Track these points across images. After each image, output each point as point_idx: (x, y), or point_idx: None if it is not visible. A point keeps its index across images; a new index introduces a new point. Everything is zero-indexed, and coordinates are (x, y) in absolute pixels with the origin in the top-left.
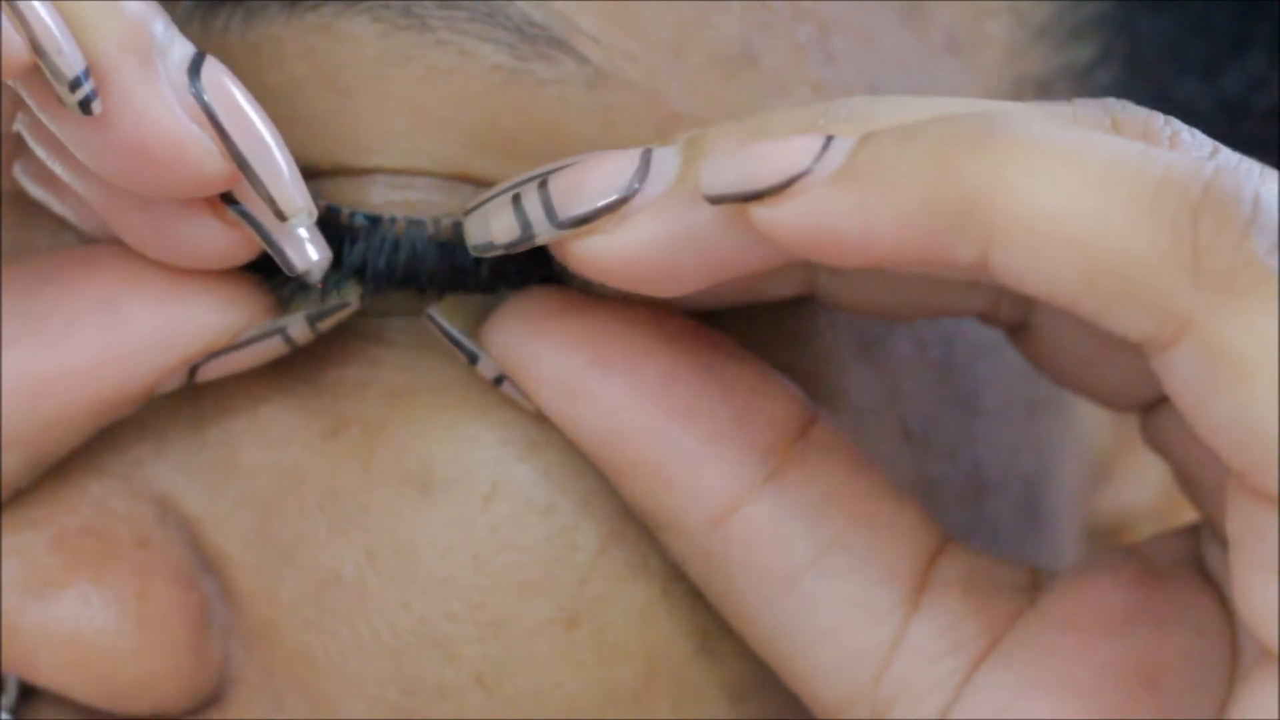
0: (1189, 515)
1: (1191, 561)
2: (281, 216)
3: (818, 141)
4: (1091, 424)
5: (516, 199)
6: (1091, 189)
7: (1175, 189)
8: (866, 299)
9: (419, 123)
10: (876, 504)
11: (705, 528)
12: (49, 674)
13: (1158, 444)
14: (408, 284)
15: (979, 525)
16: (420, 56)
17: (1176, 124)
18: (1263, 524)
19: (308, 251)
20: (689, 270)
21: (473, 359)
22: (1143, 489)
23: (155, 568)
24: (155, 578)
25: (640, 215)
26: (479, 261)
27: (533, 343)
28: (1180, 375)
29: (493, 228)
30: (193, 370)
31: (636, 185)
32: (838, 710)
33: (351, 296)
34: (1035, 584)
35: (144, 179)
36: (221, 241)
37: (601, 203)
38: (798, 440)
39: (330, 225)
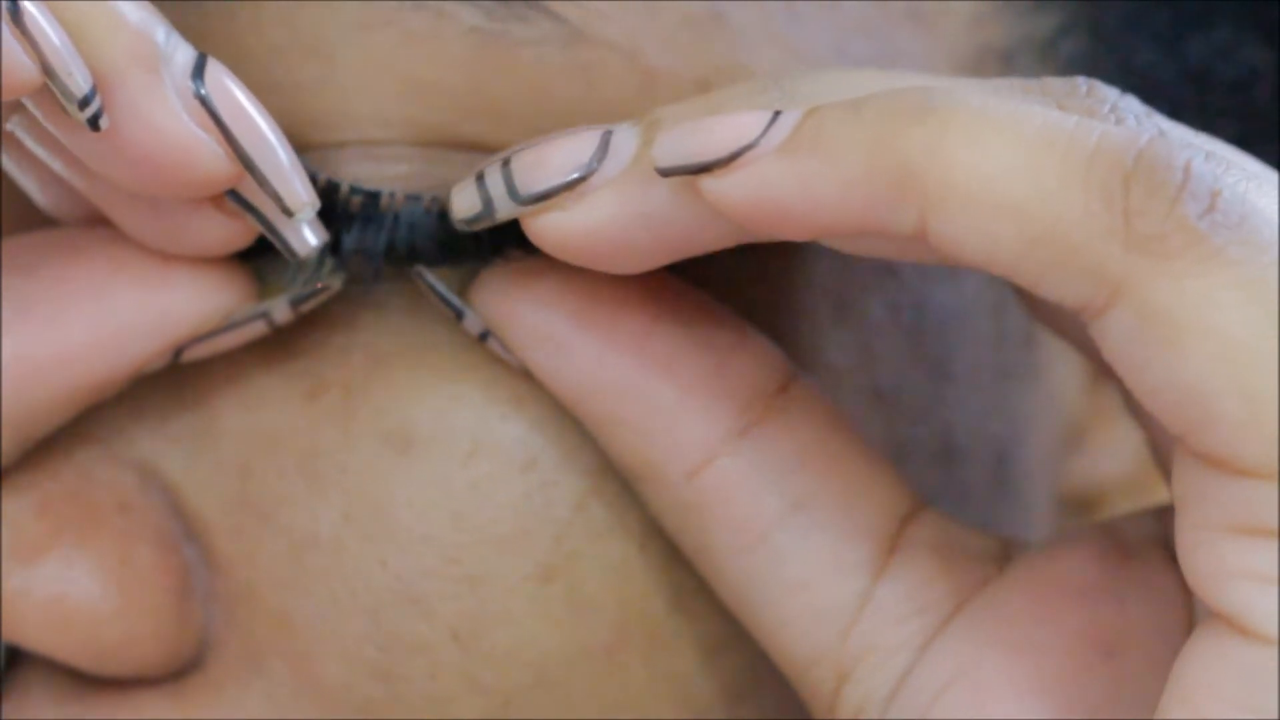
0: (1160, 488)
1: (1160, 540)
2: (288, 212)
3: (765, 116)
4: (1065, 393)
5: (480, 176)
6: (1026, 157)
7: (1108, 156)
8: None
9: (401, 87)
10: (851, 463)
11: (681, 479)
12: (33, 636)
13: (1134, 411)
14: (405, 262)
15: (949, 488)
16: (398, 20)
17: (1105, 85)
18: (1203, 485)
19: (307, 238)
20: (645, 247)
21: (459, 314)
22: (1115, 461)
23: (137, 532)
24: (137, 542)
25: (598, 193)
26: (475, 236)
27: (518, 297)
28: (1116, 340)
29: (455, 204)
30: (178, 352)
31: (595, 164)
32: (805, 667)
33: (334, 280)
34: (1006, 554)
35: (152, 184)
36: (223, 232)
37: (560, 180)
38: (776, 396)
39: (328, 200)
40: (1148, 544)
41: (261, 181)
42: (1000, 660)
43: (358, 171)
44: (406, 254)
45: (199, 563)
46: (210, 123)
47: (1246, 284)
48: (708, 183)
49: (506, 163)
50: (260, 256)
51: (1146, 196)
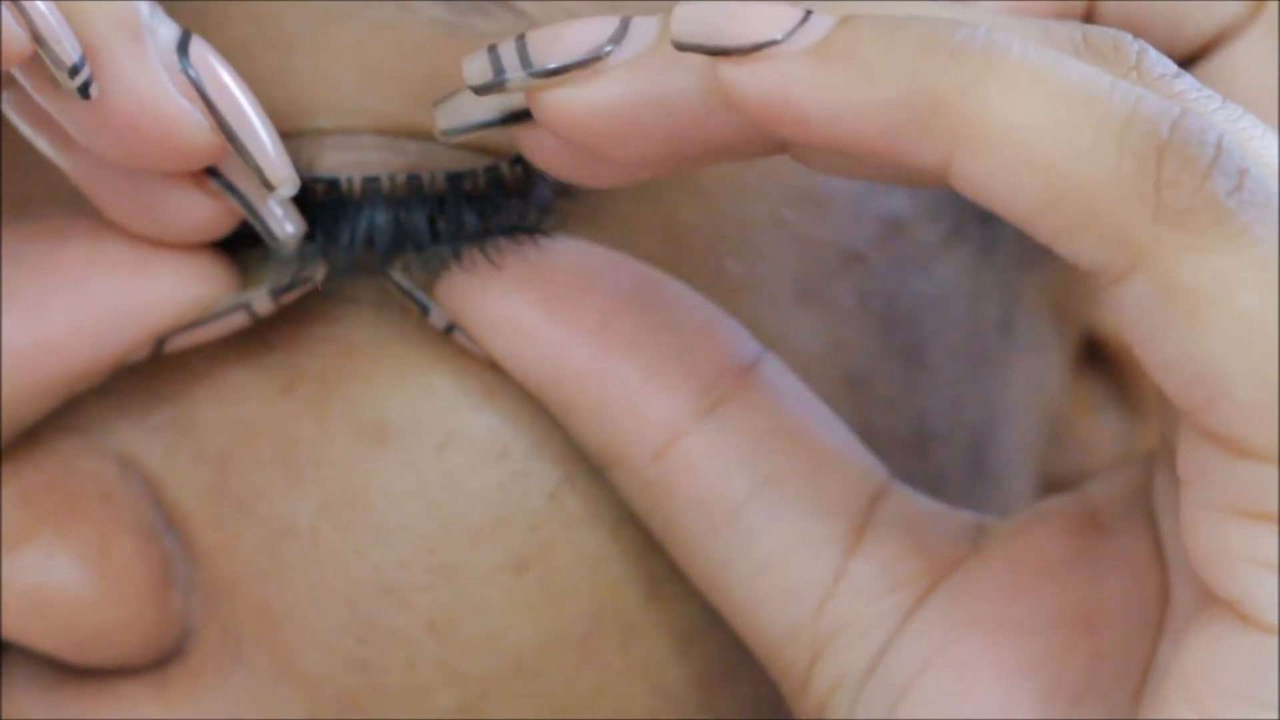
0: None
1: (1136, 500)
2: (269, 186)
3: (796, 13)
4: (1047, 384)
5: (492, 48)
6: (1063, 113)
7: (1144, 124)
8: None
9: (362, 78)
10: (820, 441)
11: (647, 461)
12: (14, 625)
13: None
14: (368, 244)
15: (924, 475)
16: (361, 12)
17: (1144, 44)
18: (1207, 464)
19: (287, 222)
20: (654, 133)
21: (425, 310)
22: (1097, 453)
23: (118, 522)
24: (118, 531)
25: (613, 72)
26: (432, 219)
27: (479, 289)
28: (1132, 309)
29: (465, 70)
30: (160, 343)
31: (612, 46)
32: (778, 646)
33: (316, 271)
34: (980, 532)
35: (137, 154)
36: (204, 214)
37: (577, 57)
38: (742, 375)
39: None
40: (1120, 512)
41: (244, 154)
42: (979, 639)
43: (320, 160)
44: (366, 238)
45: (179, 553)
46: (195, 94)
47: (1270, 263)
48: (726, 67)
49: (521, 37)
50: (241, 248)
51: (1179, 170)
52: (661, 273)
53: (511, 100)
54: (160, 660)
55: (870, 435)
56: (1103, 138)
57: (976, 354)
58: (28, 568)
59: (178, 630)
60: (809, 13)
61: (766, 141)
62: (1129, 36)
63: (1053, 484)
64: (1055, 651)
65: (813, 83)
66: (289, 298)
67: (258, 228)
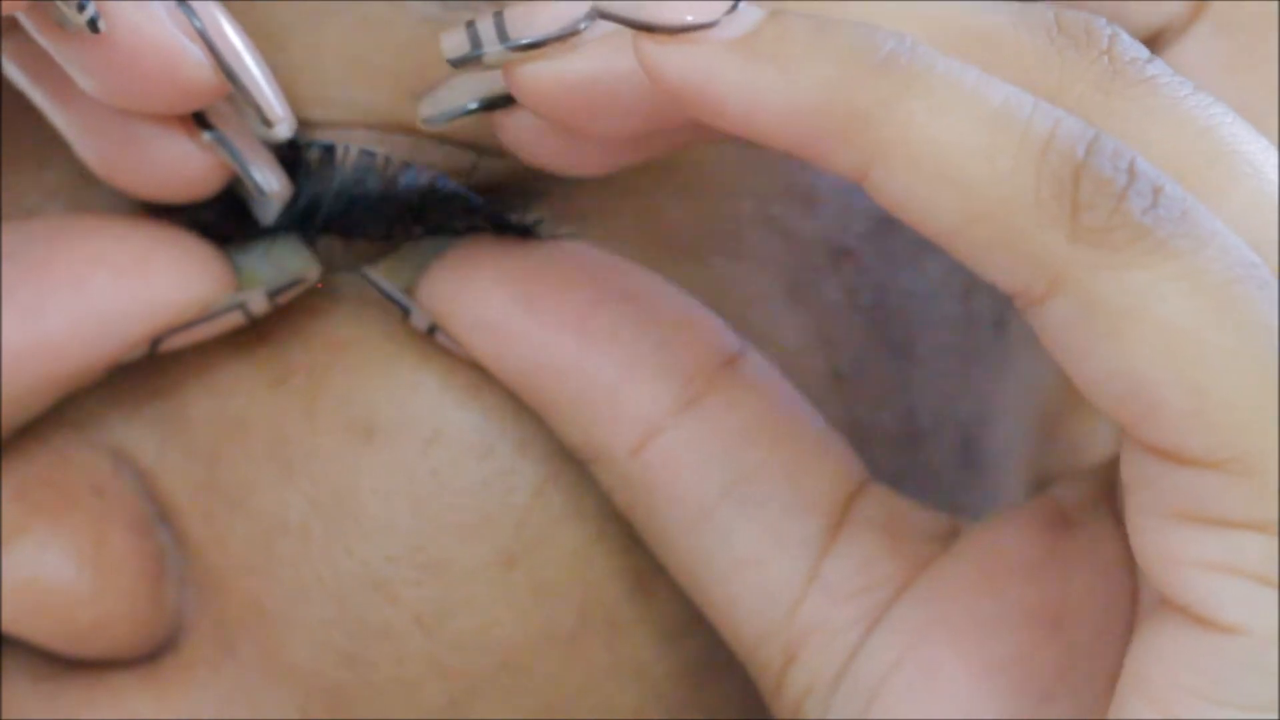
0: None
1: (1105, 499)
2: (267, 123)
3: (724, 1)
4: (1039, 380)
5: (470, 24)
6: (985, 133)
7: (1062, 145)
8: None
9: (352, 72)
10: (799, 436)
11: (626, 456)
12: (8, 617)
13: None
14: (355, 226)
15: (914, 470)
16: (353, 8)
17: (1116, 28)
18: (1150, 472)
19: (273, 178)
20: (626, 105)
21: (405, 311)
22: (1090, 449)
23: (112, 515)
24: (112, 525)
25: (587, 47)
26: (421, 205)
27: (458, 288)
28: (1055, 330)
29: (443, 44)
30: (155, 342)
31: (587, 23)
32: (753, 645)
33: (311, 271)
34: (954, 532)
35: (138, 92)
36: (194, 166)
37: (553, 32)
38: (722, 370)
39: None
40: (1089, 511)
41: (243, 90)
42: (948, 638)
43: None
44: (349, 203)
45: (172, 547)
46: (195, 35)
47: (1189, 274)
48: (645, 44)
49: (499, 14)
50: (237, 247)
51: (1095, 191)
52: (641, 267)
53: (491, 87)
54: (153, 653)
55: (859, 431)
56: (1023, 158)
57: (968, 350)
58: (21, 561)
59: (170, 623)
60: (737, 2)
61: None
62: (1103, 21)
63: (1046, 482)
64: (1024, 650)
65: (734, 75)
66: (285, 298)
67: (245, 181)
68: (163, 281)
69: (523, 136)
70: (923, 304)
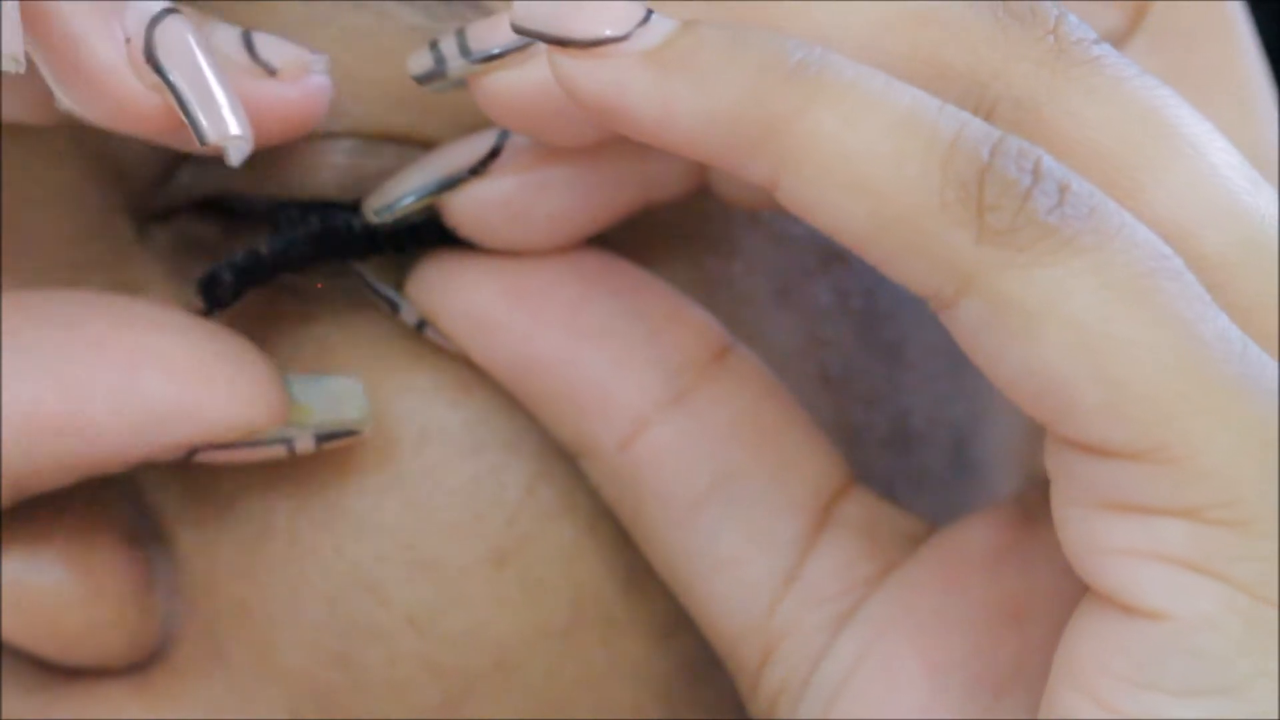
0: None
1: None
2: (203, 140)
3: (637, 13)
4: None
5: (434, 43)
6: (892, 140)
7: (967, 148)
8: (757, 197)
9: (340, 83)
10: (785, 436)
11: (614, 450)
12: None
13: None
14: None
15: (907, 473)
16: (338, 18)
17: (1064, 10)
18: (1072, 465)
19: (226, 125)
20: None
21: (395, 307)
22: None
23: (100, 522)
24: (100, 532)
25: (541, 56)
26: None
27: (448, 283)
28: (969, 330)
29: (410, 64)
30: (192, 451)
31: None
32: (734, 643)
33: (365, 424)
34: (930, 535)
35: (89, 108)
36: (143, 104)
37: (512, 43)
38: (710, 365)
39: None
40: (1049, 506)
41: (193, 123)
42: (907, 636)
43: (297, 161)
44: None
45: (161, 554)
46: (146, 68)
47: (1097, 269)
48: (558, 58)
49: (460, 30)
50: (294, 374)
51: (1000, 193)
52: (629, 262)
53: (436, 176)
54: (143, 661)
55: (850, 433)
56: (929, 162)
57: (959, 353)
58: (11, 568)
59: (160, 631)
60: (650, 13)
61: None
62: (1050, 3)
63: (1039, 483)
64: (982, 645)
65: (647, 87)
66: (332, 446)
67: (190, 125)
68: (218, 397)
69: (466, 217)
70: (913, 306)
